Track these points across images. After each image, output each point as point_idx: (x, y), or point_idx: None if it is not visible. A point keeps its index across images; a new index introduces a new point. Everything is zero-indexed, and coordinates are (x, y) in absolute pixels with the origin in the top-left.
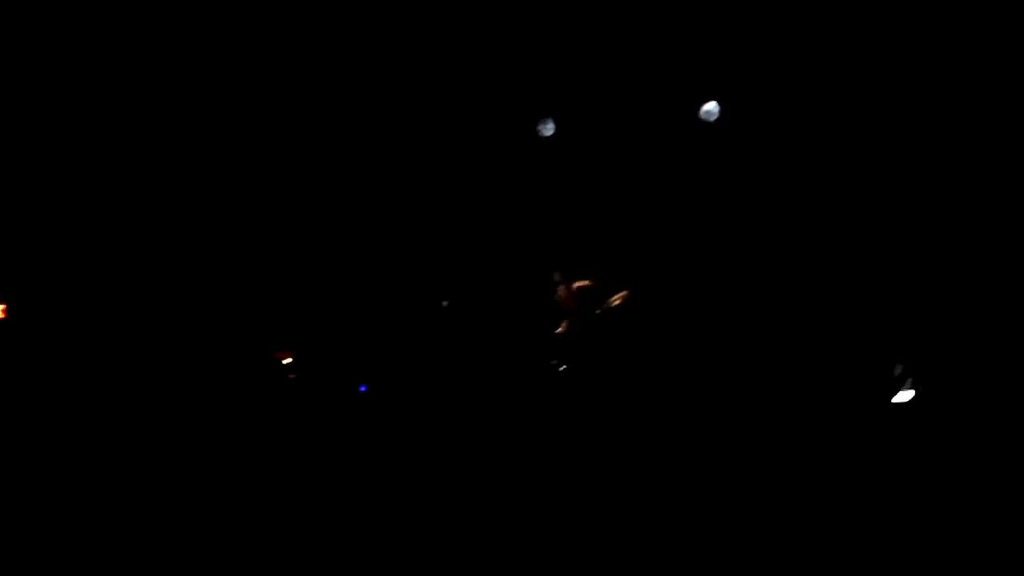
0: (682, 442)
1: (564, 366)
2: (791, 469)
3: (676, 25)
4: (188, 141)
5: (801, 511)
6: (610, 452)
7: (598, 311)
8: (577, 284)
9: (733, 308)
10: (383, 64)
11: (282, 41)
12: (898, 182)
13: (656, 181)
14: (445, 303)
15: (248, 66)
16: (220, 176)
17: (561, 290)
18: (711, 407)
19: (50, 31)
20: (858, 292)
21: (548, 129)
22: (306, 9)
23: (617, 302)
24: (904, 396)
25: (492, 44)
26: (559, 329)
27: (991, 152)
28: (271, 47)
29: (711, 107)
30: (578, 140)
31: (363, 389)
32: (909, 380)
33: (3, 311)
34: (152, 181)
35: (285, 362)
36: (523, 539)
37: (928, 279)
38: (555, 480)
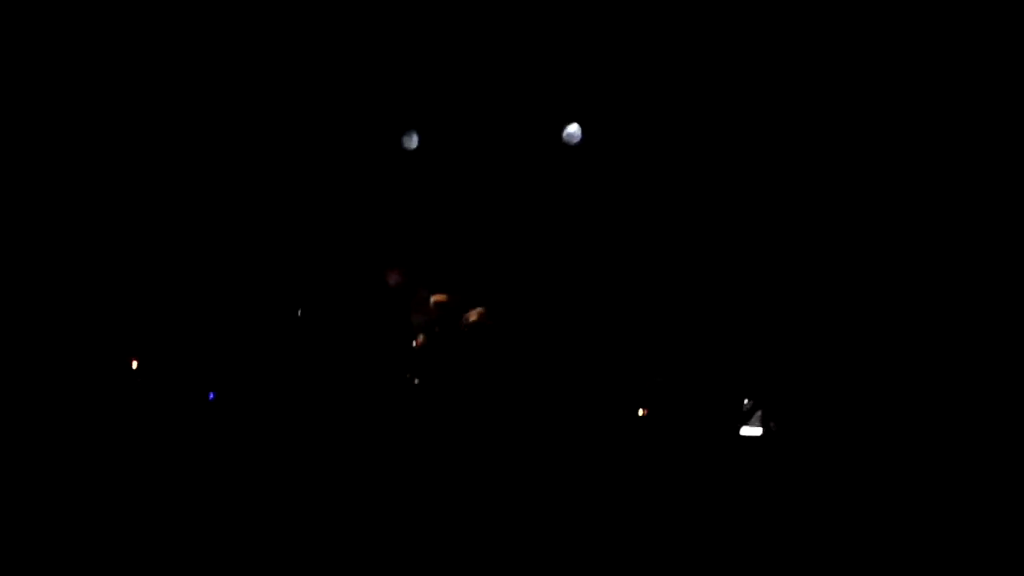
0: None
1: (417, 379)
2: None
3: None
4: (179, 141)
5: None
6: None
7: (455, 325)
8: (435, 297)
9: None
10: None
11: (282, 41)
12: (895, 183)
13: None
14: (300, 312)
15: (247, 66)
16: (208, 176)
17: (421, 303)
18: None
19: (50, 31)
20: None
21: (412, 142)
22: (306, 9)
23: (473, 317)
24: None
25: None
26: (415, 342)
27: (991, 152)
28: (271, 47)
29: (573, 130)
30: (441, 150)
31: (212, 396)
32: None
33: None
34: (139, 181)
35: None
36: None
37: (928, 279)
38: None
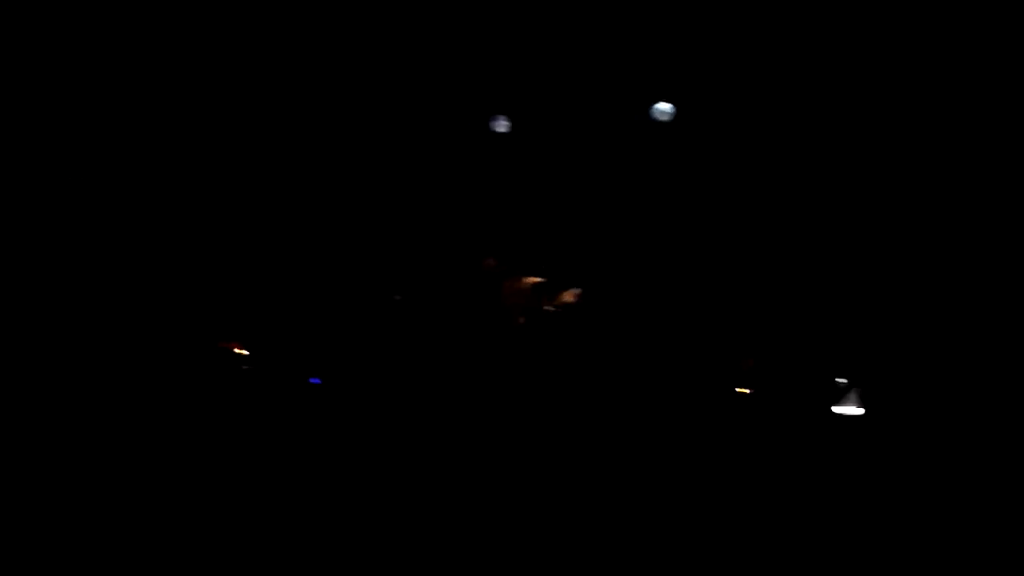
0: (636, 439)
1: (512, 360)
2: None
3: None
4: (176, 141)
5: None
6: (565, 447)
7: (549, 307)
8: (528, 279)
9: (690, 307)
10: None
11: (282, 41)
12: (893, 184)
13: (613, 180)
14: (398, 297)
15: (246, 66)
16: (206, 175)
17: (512, 285)
18: (664, 404)
19: (50, 31)
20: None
21: (501, 125)
22: (306, 9)
23: (568, 298)
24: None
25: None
26: (516, 321)
27: (991, 153)
28: (271, 47)
29: (664, 107)
30: (531, 138)
31: (315, 381)
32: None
33: None
34: (137, 181)
35: (239, 352)
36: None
37: (927, 280)
38: (506, 475)
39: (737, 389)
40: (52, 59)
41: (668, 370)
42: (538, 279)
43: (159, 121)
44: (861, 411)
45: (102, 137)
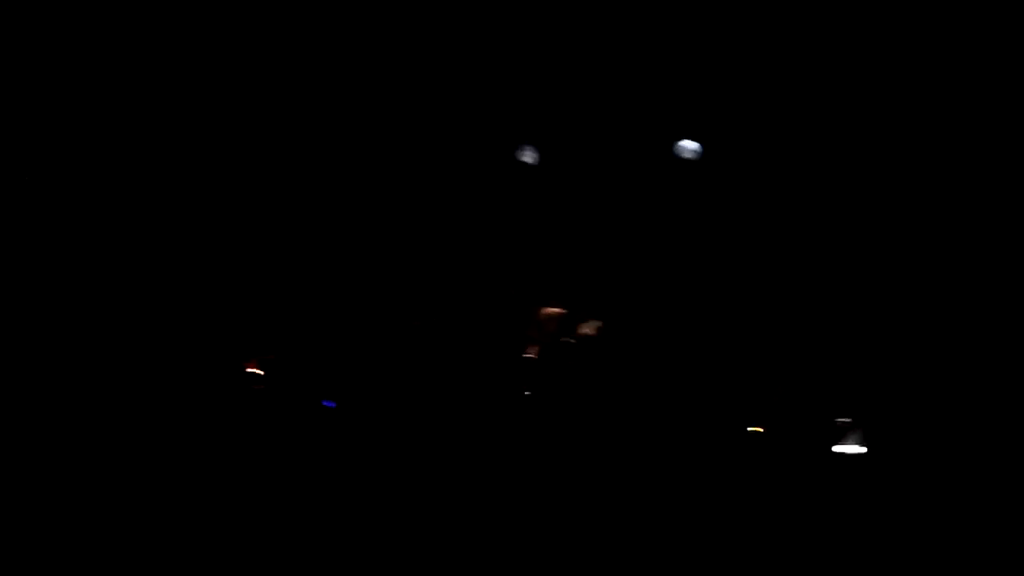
0: (657, 466)
1: (530, 391)
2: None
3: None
4: (175, 142)
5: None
6: (582, 474)
7: (569, 338)
8: (549, 311)
9: (710, 338)
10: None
11: (282, 41)
12: (892, 186)
13: (634, 208)
14: (417, 322)
15: (246, 66)
16: (203, 179)
17: (535, 315)
18: (684, 435)
19: (50, 31)
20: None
21: (528, 156)
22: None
23: (588, 331)
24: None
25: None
26: (530, 354)
27: (991, 153)
28: (270, 47)
29: (691, 144)
30: (558, 166)
31: (330, 405)
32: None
33: None
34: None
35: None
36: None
37: (926, 280)
38: (524, 501)
39: (749, 428)
40: (52, 59)
41: (680, 405)
42: (558, 310)
43: (171, 129)
44: (863, 450)
45: (109, 144)
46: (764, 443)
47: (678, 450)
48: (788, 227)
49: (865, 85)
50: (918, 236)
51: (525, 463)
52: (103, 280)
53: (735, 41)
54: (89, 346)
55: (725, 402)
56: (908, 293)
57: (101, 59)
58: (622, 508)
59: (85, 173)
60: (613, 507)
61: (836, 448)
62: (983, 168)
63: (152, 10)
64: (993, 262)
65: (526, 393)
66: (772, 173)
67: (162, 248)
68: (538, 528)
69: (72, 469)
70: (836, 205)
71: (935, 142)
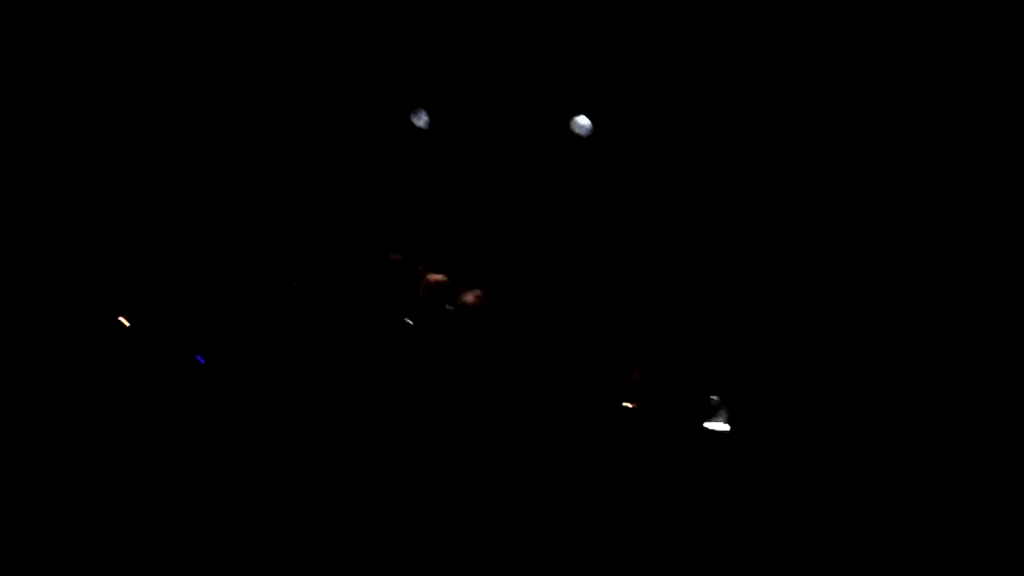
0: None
1: (408, 360)
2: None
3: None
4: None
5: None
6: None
7: (449, 306)
8: (431, 277)
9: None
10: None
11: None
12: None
13: (522, 179)
14: (295, 283)
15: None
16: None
17: (413, 281)
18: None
19: (50, 31)
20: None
21: (420, 120)
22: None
23: (470, 299)
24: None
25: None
26: (409, 321)
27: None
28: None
29: (582, 121)
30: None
31: (200, 360)
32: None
33: None
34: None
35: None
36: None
37: (926, 280)
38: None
39: (624, 403)
40: (52, 59)
41: (556, 378)
42: (440, 276)
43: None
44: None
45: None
46: (636, 419)
47: (551, 424)
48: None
49: (865, 85)
50: (907, 233)
51: (402, 435)
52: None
53: (735, 41)
54: (76, 342)
55: (599, 376)
56: (897, 290)
57: (101, 59)
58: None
59: (82, 173)
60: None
61: (706, 424)
62: (983, 168)
63: (152, 10)
64: (993, 260)
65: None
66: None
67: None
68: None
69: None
70: (804, 196)
71: (935, 142)
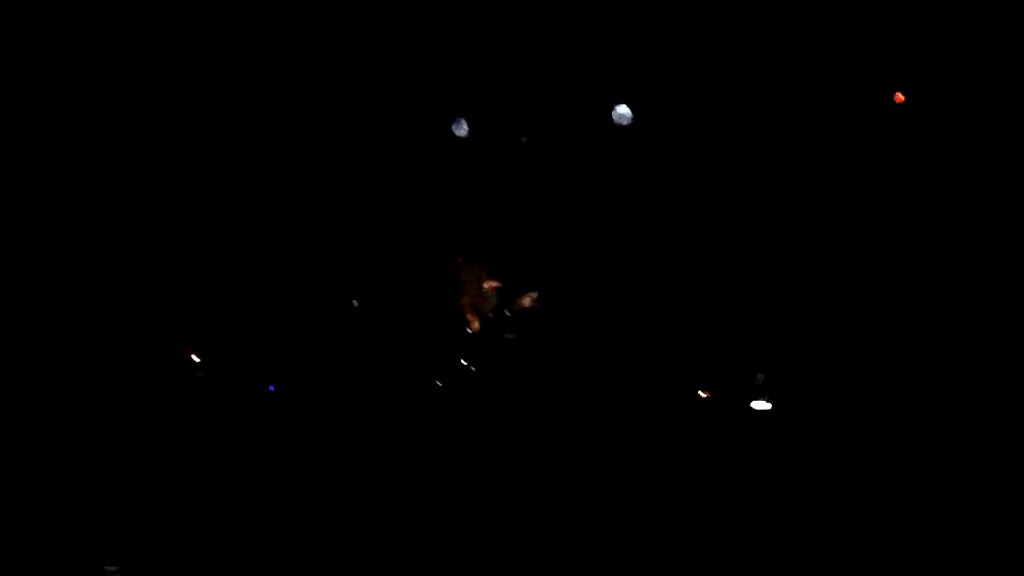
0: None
1: (472, 366)
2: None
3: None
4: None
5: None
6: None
7: (507, 311)
8: (487, 283)
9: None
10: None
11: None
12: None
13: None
14: (356, 302)
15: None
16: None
17: (471, 288)
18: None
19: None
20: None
21: (461, 130)
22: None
23: (526, 303)
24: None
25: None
26: (469, 327)
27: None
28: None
29: (623, 110)
30: (494, 139)
31: (271, 388)
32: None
33: None
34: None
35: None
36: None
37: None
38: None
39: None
40: (52, 59)
41: (625, 376)
42: (496, 283)
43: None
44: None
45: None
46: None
47: (626, 423)
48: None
49: (865, 85)
50: (907, 231)
51: (480, 439)
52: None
53: (735, 40)
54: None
55: (672, 375)
56: (896, 289)
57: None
58: (573, 487)
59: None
60: (563, 486)
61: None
62: (983, 167)
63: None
64: (991, 259)
65: (471, 368)
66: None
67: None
68: (493, 508)
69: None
70: (808, 194)
71: (934, 141)
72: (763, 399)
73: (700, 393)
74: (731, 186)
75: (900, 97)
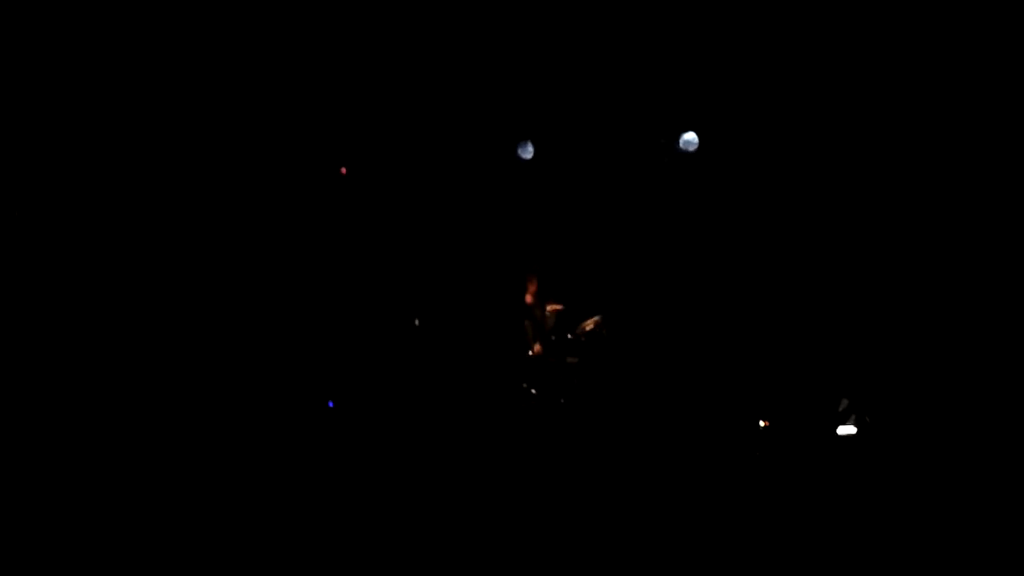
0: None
1: (535, 388)
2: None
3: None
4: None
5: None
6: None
7: (570, 335)
8: (551, 307)
9: (709, 332)
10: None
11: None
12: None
13: (634, 206)
14: (417, 322)
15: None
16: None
17: (535, 312)
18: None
19: (50, 31)
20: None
21: (527, 152)
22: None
23: (590, 327)
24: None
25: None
26: (532, 351)
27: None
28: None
29: (690, 137)
30: (560, 162)
31: (331, 405)
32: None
33: None
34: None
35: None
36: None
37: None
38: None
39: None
40: (52, 59)
41: (682, 401)
42: (559, 306)
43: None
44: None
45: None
46: (771, 437)
47: (687, 444)
48: (786, 223)
49: (865, 84)
50: (913, 232)
51: (534, 460)
52: (100, 278)
53: (734, 40)
54: (86, 344)
55: (730, 396)
56: (904, 288)
57: (101, 59)
58: (630, 504)
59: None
60: (620, 503)
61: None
62: (982, 167)
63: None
64: (991, 258)
65: (531, 390)
66: (769, 169)
67: (158, 247)
68: (546, 525)
69: (67, 465)
70: (833, 200)
71: (935, 141)
72: (849, 423)
73: (760, 423)
74: (781, 220)
75: None
